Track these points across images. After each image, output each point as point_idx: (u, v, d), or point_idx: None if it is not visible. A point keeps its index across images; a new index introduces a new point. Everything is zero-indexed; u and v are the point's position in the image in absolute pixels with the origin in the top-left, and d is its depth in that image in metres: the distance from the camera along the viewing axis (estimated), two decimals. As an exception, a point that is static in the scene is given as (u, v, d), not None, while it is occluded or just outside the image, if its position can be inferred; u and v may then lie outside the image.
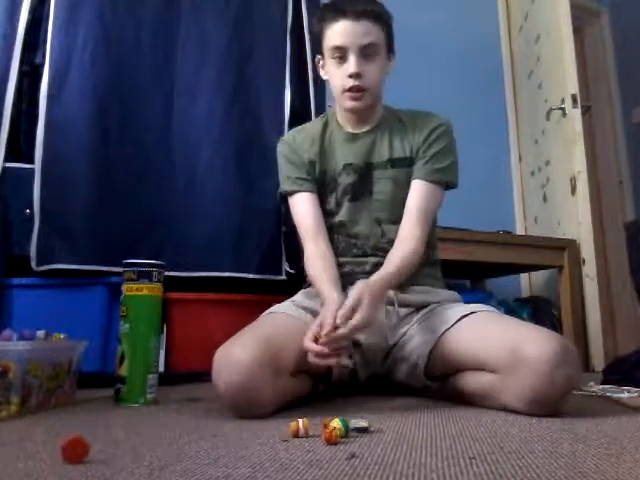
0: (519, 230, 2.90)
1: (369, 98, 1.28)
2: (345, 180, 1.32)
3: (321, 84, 2.14)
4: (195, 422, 0.93)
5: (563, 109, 2.52)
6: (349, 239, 1.32)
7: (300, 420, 0.78)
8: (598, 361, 2.28)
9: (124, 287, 1.19)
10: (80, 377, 1.24)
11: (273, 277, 1.87)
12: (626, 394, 1.27)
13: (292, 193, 1.34)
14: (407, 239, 1.24)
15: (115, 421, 0.95)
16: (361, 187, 1.32)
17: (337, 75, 1.27)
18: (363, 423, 0.81)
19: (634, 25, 3.37)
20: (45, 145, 1.66)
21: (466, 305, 1.23)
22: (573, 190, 2.46)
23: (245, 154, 1.92)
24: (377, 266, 1.22)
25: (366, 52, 1.24)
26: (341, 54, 1.25)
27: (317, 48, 1.36)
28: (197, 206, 1.83)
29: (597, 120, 3.48)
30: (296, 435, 0.77)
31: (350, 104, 1.28)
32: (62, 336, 1.22)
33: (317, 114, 2.10)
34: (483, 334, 1.09)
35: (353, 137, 1.35)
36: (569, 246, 2.39)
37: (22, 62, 1.70)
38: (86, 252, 1.65)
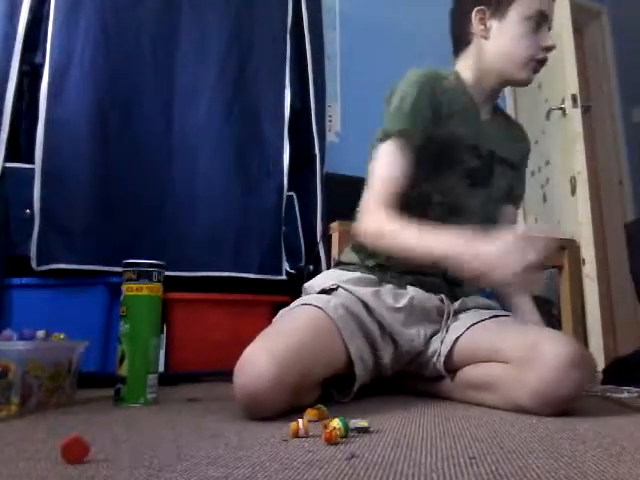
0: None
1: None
2: (470, 162, 1.23)
3: (321, 84, 2.14)
4: (195, 422, 0.93)
5: (563, 109, 2.52)
6: (444, 223, 1.14)
7: (300, 420, 0.78)
8: (598, 361, 2.27)
9: (124, 287, 1.19)
10: (80, 377, 1.24)
11: (273, 277, 1.87)
12: (626, 394, 1.27)
13: (402, 135, 1.14)
14: None
15: (115, 421, 0.95)
16: (483, 175, 1.25)
17: (526, 42, 1.18)
18: (363, 423, 0.81)
19: (634, 25, 3.37)
20: (45, 145, 1.66)
21: (498, 311, 1.24)
22: (573, 190, 2.46)
23: (245, 154, 1.92)
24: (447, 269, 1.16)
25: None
26: (539, 22, 1.18)
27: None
28: (197, 206, 1.83)
29: (597, 120, 3.48)
30: (296, 435, 0.77)
31: (529, 76, 1.21)
32: (62, 336, 1.22)
33: (317, 114, 2.10)
34: (506, 329, 1.09)
35: (480, 118, 1.27)
36: (569, 246, 2.38)
37: (22, 62, 1.70)
38: (86, 252, 1.65)
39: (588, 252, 2.40)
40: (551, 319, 2.38)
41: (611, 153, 3.44)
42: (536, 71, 1.21)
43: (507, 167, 1.30)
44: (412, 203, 1.18)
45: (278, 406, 0.92)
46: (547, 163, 2.72)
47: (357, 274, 1.22)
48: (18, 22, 1.70)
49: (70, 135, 1.69)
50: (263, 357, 0.91)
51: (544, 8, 1.18)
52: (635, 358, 1.48)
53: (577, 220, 2.43)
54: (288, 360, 0.92)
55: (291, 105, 2.02)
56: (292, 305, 1.16)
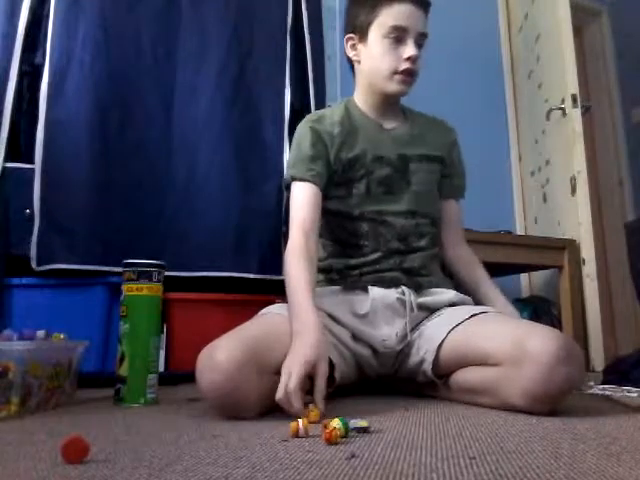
0: (519, 230, 2.90)
1: (412, 86, 1.28)
2: (380, 172, 1.30)
3: (321, 84, 2.14)
4: (195, 422, 0.93)
5: (563, 109, 2.52)
6: (376, 230, 1.29)
7: (300, 420, 0.78)
8: (598, 361, 2.28)
9: (124, 287, 1.19)
10: (80, 377, 1.24)
11: (273, 277, 1.87)
12: (626, 394, 1.27)
13: (301, 180, 1.27)
14: (473, 262, 1.38)
15: (115, 421, 0.95)
16: (398, 179, 1.31)
17: (388, 56, 1.25)
18: (363, 423, 0.81)
19: (634, 25, 3.37)
20: (45, 145, 1.66)
21: (476, 306, 1.25)
22: (573, 190, 2.46)
23: (245, 154, 1.92)
24: (401, 261, 1.27)
25: (419, 41, 1.25)
26: (399, 35, 1.24)
27: (346, 28, 1.33)
28: (197, 206, 1.83)
29: (597, 120, 3.48)
30: (296, 435, 0.77)
31: (398, 87, 1.26)
32: (62, 336, 1.22)
33: (317, 114, 2.09)
34: (490, 329, 1.10)
35: (381, 128, 1.34)
36: (569, 246, 2.39)
37: (22, 62, 1.70)
38: (86, 252, 1.65)
39: (588, 252, 2.40)
40: (551, 319, 2.39)
41: (611, 153, 3.44)
42: (405, 82, 1.26)
43: (427, 162, 1.35)
44: (341, 223, 1.30)
45: (248, 392, 0.93)
46: (547, 163, 2.72)
47: (318, 289, 1.24)
48: (18, 22, 1.70)
49: (70, 135, 1.69)
50: (217, 350, 0.95)
51: (399, 23, 1.23)
52: (635, 358, 1.48)
53: (577, 220, 2.43)
54: (241, 344, 0.96)
55: (291, 105, 2.02)
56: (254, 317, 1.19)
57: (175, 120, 1.86)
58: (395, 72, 1.25)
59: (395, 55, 1.24)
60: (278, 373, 1.00)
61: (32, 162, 1.65)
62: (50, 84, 1.69)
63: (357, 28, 1.30)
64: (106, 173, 1.72)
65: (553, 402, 0.95)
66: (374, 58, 1.27)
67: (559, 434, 0.79)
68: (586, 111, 2.80)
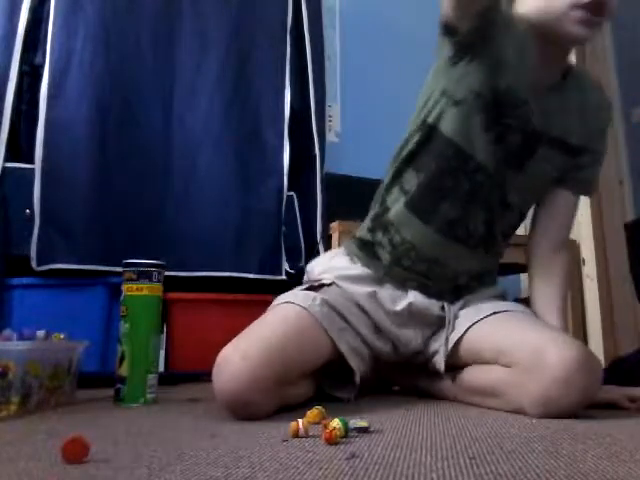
0: (519, 230, 2.89)
1: (600, 29, 0.97)
2: (509, 136, 1.08)
3: (321, 84, 2.14)
4: (195, 422, 0.93)
5: (563, 109, 2.52)
6: (468, 202, 1.10)
7: (300, 420, 0.78)
8: (602, 368, 2.27)
9: (124, 287, 1.19)
10: (80, 377, 1.24)
11: (273, 277, 1.87)
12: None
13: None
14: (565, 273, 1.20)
15: (115, 421, 0.95)
16: (518, 155, 1.10)
17: None
18: (363, 423, 0.81)
19: (634, 25, 3.37)
20: (45, 145, 1.66)
21: (502, 302, 1.19)
22: (573, 190, 2.46)
23: (245, 154, 1.92)
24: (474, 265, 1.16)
25: None
26: None
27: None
28: (197, 206, 1.83)
29: (597, 120, 3.47)
30: (296, 435, 0.77)
31: (578, 30, 0.95)
32: (62, 336, 1.22)
33: (317, 114, 2.10)
34: (509, 328, 1.06)
35: (536, 87, 1.06)
36: (569, 246, 2.38)
37: (22, 62, 1.70)
38: (86, 252, 1.65)
39: (588, 252, 2.40)
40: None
41: (611, 153, 3.44)
42: (588, 23, 0.94)
43: (564, 153, 1.13)
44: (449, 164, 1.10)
45: (261, 402, 0.91)
46: (547, 163, 2.72)
47: (358, 269, 1.18)
48: (18, 22, 1.70)
49: (70, 135, 1.69)
50: (236, 357, 0.91)
51: None
52: (635, 358, 1.48)
53: (577, 220, 2.43)
54: (261, 358, 0.92)
55: (291, 105, 2.02)
56: (277, 301, 1.13)
57: (175, 120, 1.86)
58: (575, 5, 0.94)
59: None
60: (297, 382, 0.99)
61: (32, 162, 1.65)
62: (50, 84, 1.70)
63: None
64: (106, 173, 1.72)
65: (564, 414, 0.92)
66: None
67: (559, 434, 0.79)
68: (586, 111, 2.79)
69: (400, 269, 1.17)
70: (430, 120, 1.12)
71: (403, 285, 1.17)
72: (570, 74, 1.12)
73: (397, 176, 1.17)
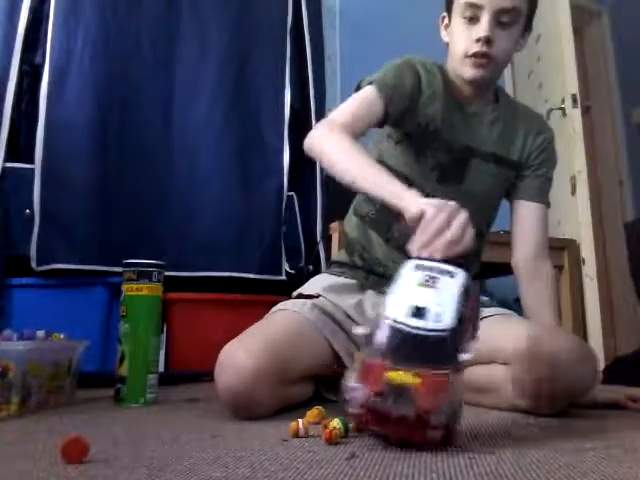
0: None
1: (493, 70, 1.14)
2: (439, 157, 1.18)
3: (321, 84, 2.14)
4: (195, 422, 0.93)
5: (563, 109, 2.52)
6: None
7: (300, 420, 0.78)
8: (598, 361, 2.28)
9: (124, 287, 1.19)
10: (80, 377, 1.24)
11: (273, 277, 1.87)
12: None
13: (381, 87, 1.13)
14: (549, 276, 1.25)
15: (115, 421, 0.95)
16: (453, 170, 1.19)
17: (462, 37, 1.13)
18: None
19: (634, 25, 3.37)
20: (45, 145, 1.66)
21: (491, 308, 1.20)
22: (573, 190, 2.46)
23: (245, 154, 1.92)
24: None
25: (503, 18, 1.09)
26: (473, 14, 1.10)
27: (447, 6, 1.19)
28: (197, 206, 1.83)
29: (597, 120, 3.47)
30: (296, 435, 0.77)
31: (470, 72, 1.13)
32: (62, 336, 1.22)
33: (317, 114, 2.10)
34: (503, 326, 1.07)
35: (463, 112, 1.20)
36: (569, 246, 2.38)
37: (22, 62, 1.70)
38: (86, 252, 1.65)
39: (588, 252, 2.40)
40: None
41: (611, 153, 3.44)
42: (479, 65, 1.12)
43: (503, 166, 1.24)
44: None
45: (263, 399, 0.93)
46: (547, 163, 2.72)
47: (340, 280, 1.22)
48: (18, 22, 1.70)
49: (70, 135, 1.69)
50: (240, 353, 0.94)
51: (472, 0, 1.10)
52: (635, 358, 1.48)
53: (577, 220, 2.43)
54: (265, 351, 0.94)
55: (291, 105, 2.02)
56: (271, 311, 1.16)
57: (175, 120, 1.86)
58: (466, 55, 1.12)
59: (467, 36, 1.12)
60: (297, 383, 1.01)
61: (32, 162, 1.65)
62: (50, 84, 1.69)
63: (446, 7, 1.20)
64: (106, 173, 1.72)
65: (562, 404, 0.93)
66: (451, 40, 1.18)
67: (559, 434, 0.79)
68: (586, 111, 2.80)
69: (376, 277, 1.22)
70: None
71: (382, 287, 1.19)
72: (502, 96, 1.28)
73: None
